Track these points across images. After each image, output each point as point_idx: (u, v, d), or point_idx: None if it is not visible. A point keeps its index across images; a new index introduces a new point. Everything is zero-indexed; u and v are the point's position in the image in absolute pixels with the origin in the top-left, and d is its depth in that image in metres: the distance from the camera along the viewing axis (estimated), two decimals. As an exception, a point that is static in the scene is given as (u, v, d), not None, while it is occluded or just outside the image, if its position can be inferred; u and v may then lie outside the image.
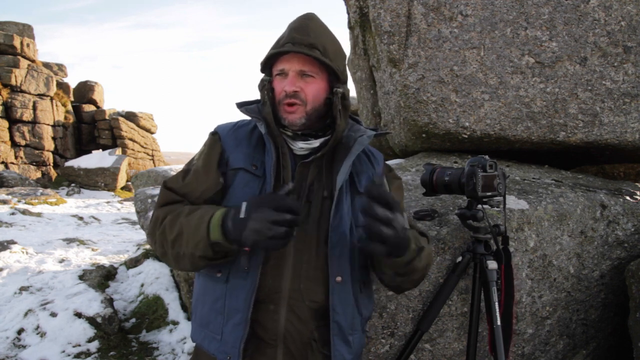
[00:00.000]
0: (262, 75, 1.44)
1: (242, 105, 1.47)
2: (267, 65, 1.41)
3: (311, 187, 1.39)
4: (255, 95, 1.53)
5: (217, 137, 1.47)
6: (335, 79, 1.39)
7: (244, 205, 1.21)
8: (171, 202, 1.42)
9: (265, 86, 1.39)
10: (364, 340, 1.50)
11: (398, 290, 1.56)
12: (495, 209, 2.03)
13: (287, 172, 1.36)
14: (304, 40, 1.32)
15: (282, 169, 1.37)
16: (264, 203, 1.18)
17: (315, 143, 1.40)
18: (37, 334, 3.47)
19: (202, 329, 1.41)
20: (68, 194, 15.74)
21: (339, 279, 1.34)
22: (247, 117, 1.48)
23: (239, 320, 1.32)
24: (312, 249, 1.35)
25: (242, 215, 1.19)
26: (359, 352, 1.45)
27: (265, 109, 1.38)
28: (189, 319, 3.78)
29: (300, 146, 1.40)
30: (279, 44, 1.35)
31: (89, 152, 21.60)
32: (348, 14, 3.66)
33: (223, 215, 1.24)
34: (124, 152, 21.65)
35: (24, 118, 18.62)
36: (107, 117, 22.71)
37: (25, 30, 20.26)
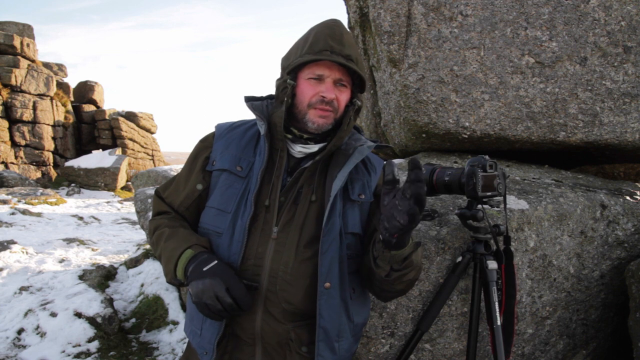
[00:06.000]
0: (277, 76, 1.44)
1: (250, 100, 1.49)
2: (295, 68, 1.37)
3: (300, 190, 1.39)
4: (258, 93, 1.55)
5: (210, 136, 1.50)
6: (359, 89, 1.44)
7: (213, 262, 1.27)
8: (161, 212, 1.51)
9: (288, 91, 1.36)
10: (355, 347, 1.49)
11: (386, 297, 1.50)
12: (495, 209, 2.03)
13: (278, 175, 1.38)
14: (342, 51, 1.33)
15: (275, 170, 1.39)
16: (224, 275, 1.24)
17: (314, 147, 1.41)
18: (37, 334, 3.47)
19: (190, 323, 1.47)
20: (68, 194, 15.74)
21: (327, 285, 1.33)
22: (247, 117, 1.51)
23: None
24: (292, 252, 1.35)
25: (205, 268, 1.26)
26: (346, 357, 1.44)
27: (278, 111, 1.37)
28: (189, 319, 3.78)
29: (299, 149, 1.41)
30: (313, 49, 1.32)
31: (89, 152, 21.61)
32: (348, 14, 3.66)
33: (190, 257, 1.30)
34: (124, 152, 21.65)
35: (24, 118, 18.62)
36: (107, 117, 22.71)
37: (25, 30, 20.26)
